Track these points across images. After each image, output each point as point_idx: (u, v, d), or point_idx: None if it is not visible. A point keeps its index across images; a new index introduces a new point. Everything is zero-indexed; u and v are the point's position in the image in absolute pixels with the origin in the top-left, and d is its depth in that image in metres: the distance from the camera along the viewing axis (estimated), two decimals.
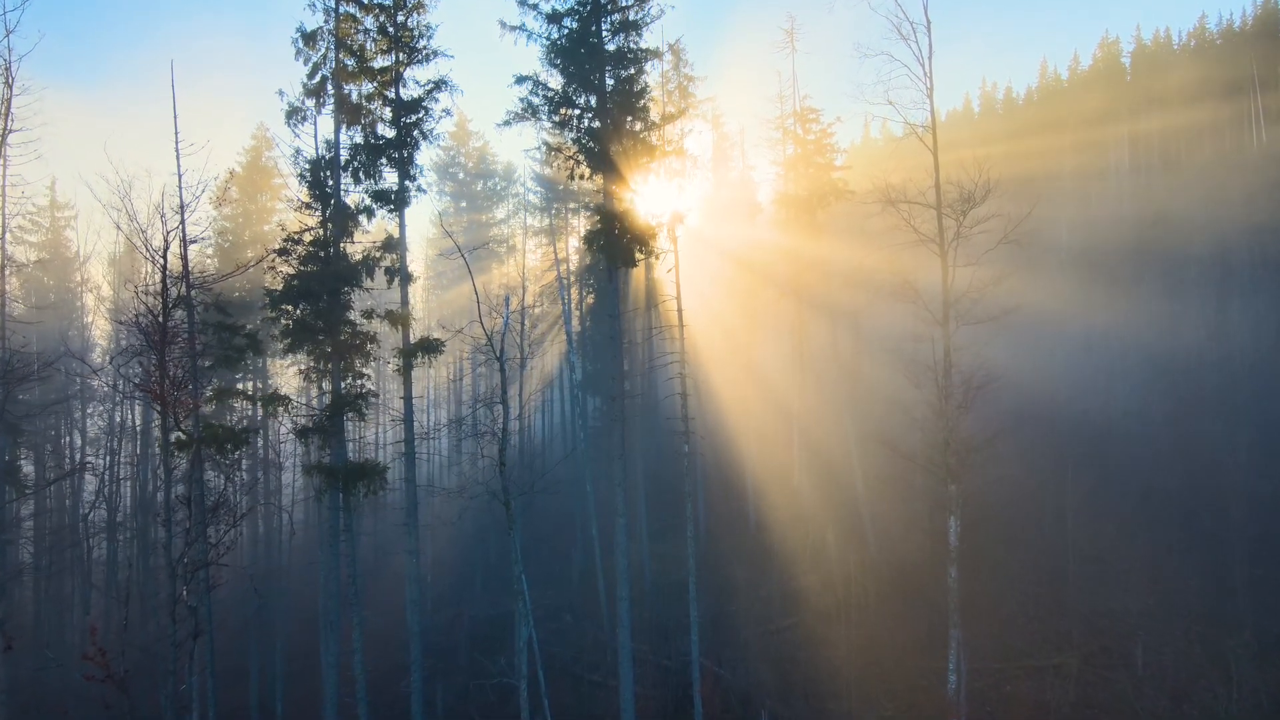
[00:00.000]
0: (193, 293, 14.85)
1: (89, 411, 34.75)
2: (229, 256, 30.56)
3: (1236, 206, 47.30)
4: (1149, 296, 42.57)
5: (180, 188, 14.92)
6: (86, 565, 29.09)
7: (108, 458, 29.87)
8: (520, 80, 17.59)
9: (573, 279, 39.26)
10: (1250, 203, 46.60)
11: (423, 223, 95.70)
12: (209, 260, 32.84)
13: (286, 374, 29.77)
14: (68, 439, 34.76)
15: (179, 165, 15.00)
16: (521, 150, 66.45)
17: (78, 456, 33.77)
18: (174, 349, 11.24)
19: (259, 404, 18.74)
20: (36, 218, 35.76)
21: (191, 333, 14.64)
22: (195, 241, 15.14)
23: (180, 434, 11.73)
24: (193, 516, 10.76)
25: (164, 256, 11.39)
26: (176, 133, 15.18)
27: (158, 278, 12.11)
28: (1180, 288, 42.42)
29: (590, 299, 38.26)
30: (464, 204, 43.28)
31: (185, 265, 15.17)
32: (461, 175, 43.63)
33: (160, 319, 10.86)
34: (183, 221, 14.97)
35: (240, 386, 32.01)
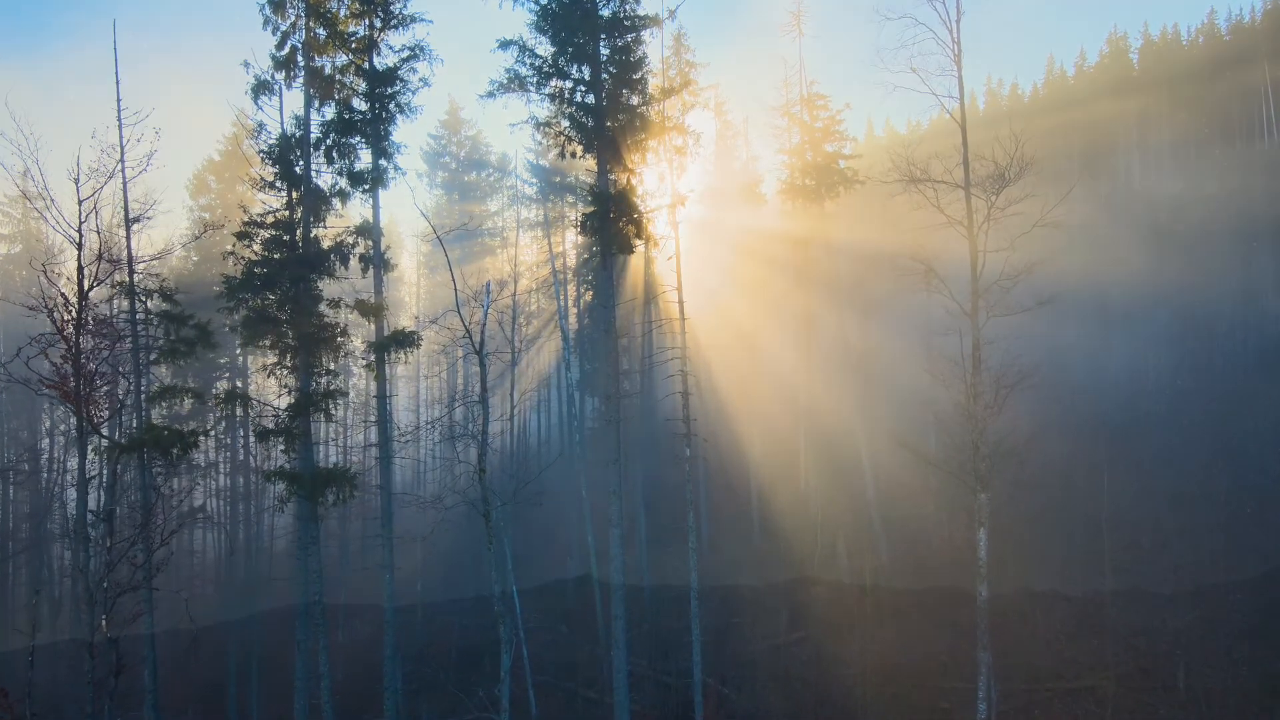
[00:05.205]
0: (135, 277, 13.29)
1: (64, 413, 33.22)
2: (207, 250, 29.03)
3: (1257, 202, 45.69)
4: (1171, 290, 40.81)
5: (123, 161, 13.41)
6: (40, 577, 27.55)
7: (77, 461, 28.30)
8: (505, 45, 15.95)
9: (570, 275, 37.62)
10: (1273, 201, 44.99)
11: (415, 216, 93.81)
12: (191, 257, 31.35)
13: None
14: (47, 441, 33.28)
15: (121, 136, 13.50)
16: (508, 125, 64.11)
17: (59, 459, 32.35)
18: (90, 338, 9.57)
19: (209, 403, 17.12)
20: (7, 208, 34.23)
21: (134, 322, 13.07)
22: (139, 220, 13.63)
23: (100, 438, 10.17)
24: (114, 534, 9.13)
25: (79, 230, 9.75)
26: (119, 100, 13.67)
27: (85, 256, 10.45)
28: (1204, 281, 40.62)
29: (589, 296, 36.60)
30: (456, 195, 41.68)
31: (129, 247, 13.65)
32: (453, 165, 42.03)
33: (76, 301, 9.24)
34: (125, 198, 13.48)
35: (220, 385, 30.51)
